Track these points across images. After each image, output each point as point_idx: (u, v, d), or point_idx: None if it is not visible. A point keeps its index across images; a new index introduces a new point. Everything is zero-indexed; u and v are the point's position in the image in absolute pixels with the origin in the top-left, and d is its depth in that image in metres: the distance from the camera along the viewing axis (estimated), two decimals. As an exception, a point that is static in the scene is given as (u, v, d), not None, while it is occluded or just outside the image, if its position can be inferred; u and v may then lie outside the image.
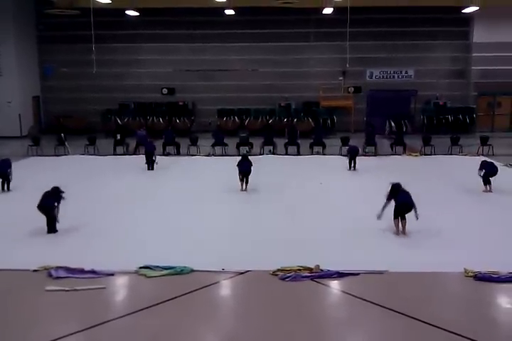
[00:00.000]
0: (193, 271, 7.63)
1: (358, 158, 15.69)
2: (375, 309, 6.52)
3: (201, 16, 24.05)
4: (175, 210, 11.12)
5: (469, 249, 8.55)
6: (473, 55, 24.37)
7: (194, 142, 18.89)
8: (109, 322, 6.19)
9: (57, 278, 7.39)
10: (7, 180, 12.87)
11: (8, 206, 11.54)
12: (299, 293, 7.02)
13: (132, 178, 14.56)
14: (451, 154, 18.09)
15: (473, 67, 24.48)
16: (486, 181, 12.50)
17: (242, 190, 12.80)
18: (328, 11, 21.66)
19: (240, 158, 13.40)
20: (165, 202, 11.82)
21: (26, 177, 13.99)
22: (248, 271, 7.68)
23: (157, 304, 6.62)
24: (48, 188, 9.64)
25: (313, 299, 6.93)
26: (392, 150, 18.62)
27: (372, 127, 20.65)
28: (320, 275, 7.43)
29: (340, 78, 24.64)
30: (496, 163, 12.97)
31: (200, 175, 14.90)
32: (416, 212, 9.11)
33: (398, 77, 25.03)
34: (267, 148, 18.60)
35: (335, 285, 7.31)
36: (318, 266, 7.60)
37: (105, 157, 18.15)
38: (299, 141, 18.82)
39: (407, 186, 9.53)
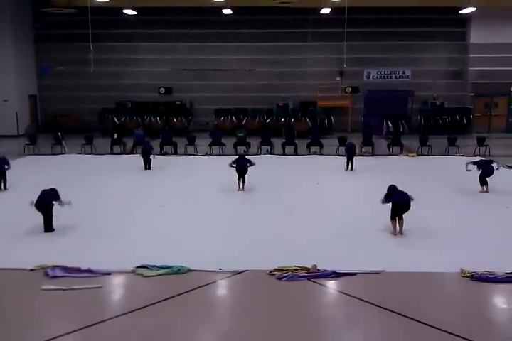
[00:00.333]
0: (189, 270, 7.61)
1: (355, 158, 15.70)
2: (371, 309, 6.52)
3: (199, 16, 24.04)
4: (172, 210, 11.11)
5: (466, 249, 8.56)
6: (471, 55, 24.45)
7: (191, 141, 18.88)
8: (106, 321, 6.18)
9: (54, 277, 7.37)
10: (4, 177, 12.83)
11: (5, 205, 11.51)
12: (295, 293, 7.02)
13: (129, 178, 14.54)
14: (448, 154, 18.13)
15: (470, 68, 24.55)
16: (483, 181, 12.52)
17: (239, 189, 12.79)
18: (325, 11, 21.69)
19: (237, 157, 13.42)
20: (162, 201, 11.79)
21: (23, 176, 13.95)
22: (245, 270, 7.67)
23: (154, 303, 6.61)
24: (46, 187, 9.63)
25: (310, 299, 6.93)
26: (389, 150, 18.65)
27: (369, 127, 20.69)
28: (317, 275, 7.43)
29: (338, 78, 24.69)
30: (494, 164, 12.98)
31: (198, 175, 14.89)
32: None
33: (395, 77, 25.08)
34: (264, 148, 18.60)
35: (332, 285, 7.32)
36: (315, 265, 7.60)
37: (102, 156, 18.12)
38: (296, 141, 18.84)
39: (403, 186, 9.55)
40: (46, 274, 7.45)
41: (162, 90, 25.02)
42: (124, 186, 13.42)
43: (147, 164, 15.76)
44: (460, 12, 21.50)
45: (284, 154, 18.37)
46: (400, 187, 9.44)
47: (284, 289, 7.13)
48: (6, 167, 12.92)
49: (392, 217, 9.29)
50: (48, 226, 9.41)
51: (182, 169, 15.95)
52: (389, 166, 16.16)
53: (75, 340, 5.96)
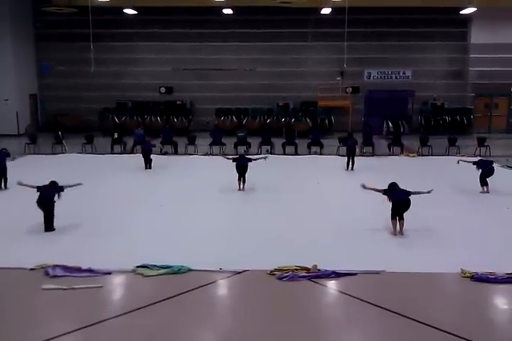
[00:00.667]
0: (190, 270, 7.63)
1: (355, 158, 15.70)
2: (371, 309, 6.53)
3: (199, 15, 24.01)
4: (172, 209, 11.11)
5: (466, 249, 8.57)
6: (471, 56, 24.43)
7: (192, 141, 18.88)
8: (106, 321, 6.19)
9: (54, 276, 7.38)
10: (4, 176, 12.85)
11: (5, 204, 11.52)
12: (296, 293, 7.03)
13: (130, 177, 14.54)
14: (448, 155, 18.12)
15: (470, 68, 24.52)
16: (483, 182, 12.52)
17: (239, 189, 12.79)
18: (326, 11, 21.68)
19: (238, 156, 13.43)
20: (162, 201, 11.79)
21: (23, 175, 13.84)
22: (245, 270, 7.68)
23: (154, 303, 6.62)
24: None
25: (310, 299, 6.93)
26: (389, 150, 18.64)
27: (369, 127, 20.66)
28: (317, 275, 7.44)
29: (338, 78, 24.67)
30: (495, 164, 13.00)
31: (198, 175, 14.88)
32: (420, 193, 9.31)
33: (396, 77, 25.06)
34: (264, 148, 18.60)
35: (332, 285, 7.32)
36: (315, 265, 7.61)
37: (102, 155, 18.12)
38: (296, 141, 18.84)
39: (404, 186, 9.54)
40: (47, 274, 7.46)
41: (163, 90, 25.00)
42: (124, 186, 13.42)
43: (147, 164, 15.77)
44: (461, 12, 21.49)
45: (284, 154, 18.37)
46: (401, 192, 9.43)
47: (285, 289, 7.14)
48: (7, 159, 12.94)
49: (393, 217, 9.29)
50: (49, 226, 9.41)
51: (182, 169, 15.95)
52: (389, 166, 16.15)
53: (76, 340, 5.97)
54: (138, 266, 7.66)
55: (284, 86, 24.75)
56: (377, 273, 7.58)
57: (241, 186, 12.81)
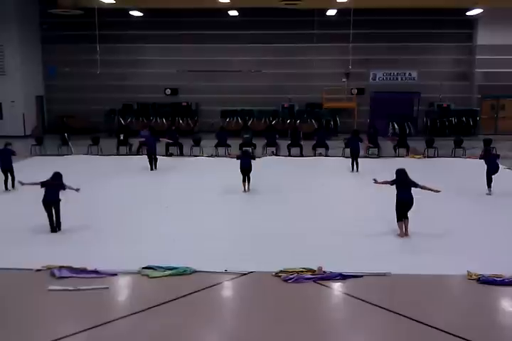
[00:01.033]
0: (195, 271, 7.63)
1: (360, 160, 15.67)
2: (377, 311, 6.51)
3: (205, 17, 24.07)
4: (178, 211, 11.13)
5: (472, 251, 8.53)
6: (477, 57, 24.37)
7: (197, 143, 18.91)
8: (112, 322, 6.20)
9: (61, 277, 7.40)
10: (12, 175, 12.93)
11: (12, 205, 11.57)
12: (301, 295, 7.02)
13: (135, 178, 14.57)
14: (454, 157, 18.06)
15: (476, 70, 24.47)
16: (489, 180, 12.46)
17: (244, 190, 12.80)
18: (331, 12, 21.69)
19: (242, 153, 13.45)
20: (168, 202, 11.81)
21: (29, 176, 13.91)
22: (251, 272, 7.67)
23: (160, 304, 6.62)
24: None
25: (315, 301, 6.92)
26: (395, 152, 18.60)
27: (374, 129, 20.62)
28: (323, 277, 7.42)
29: (344, 80, 24.66)
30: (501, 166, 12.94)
31: (204, 176, 14.89)
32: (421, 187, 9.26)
33: (401, 79, 25.03)
34: (269, 150, 18.60)
35: (337, 287, 7.30)
36: (321, 267, 7.59)
37: (108, 157, 18.18)
38: (301, 143, 18.83)
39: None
40: (53, 275, 7.48)
41: (168, 91, 25.09)
42: (130, 187, 13.45)
43: (153, 165, 15.81)
44: (467, 13, 21.48)
45: (289, 155, 18.37)
46: (405, 190, 9.41)
47: (290, 291, 7.13)
48: (13, 155, 13.12)
49: (399, 219, 9.28)
50: (55, 227, 9.44)
51: (188, 170, 15.97)
52: (395, 168, 15.97)
53: (82, 341, 5.98)
54: (144, 268, 7.67)
55: (290, 87, 24.77)
56: (383, 275, 7.56)
57: (246, 187, 12.81)
